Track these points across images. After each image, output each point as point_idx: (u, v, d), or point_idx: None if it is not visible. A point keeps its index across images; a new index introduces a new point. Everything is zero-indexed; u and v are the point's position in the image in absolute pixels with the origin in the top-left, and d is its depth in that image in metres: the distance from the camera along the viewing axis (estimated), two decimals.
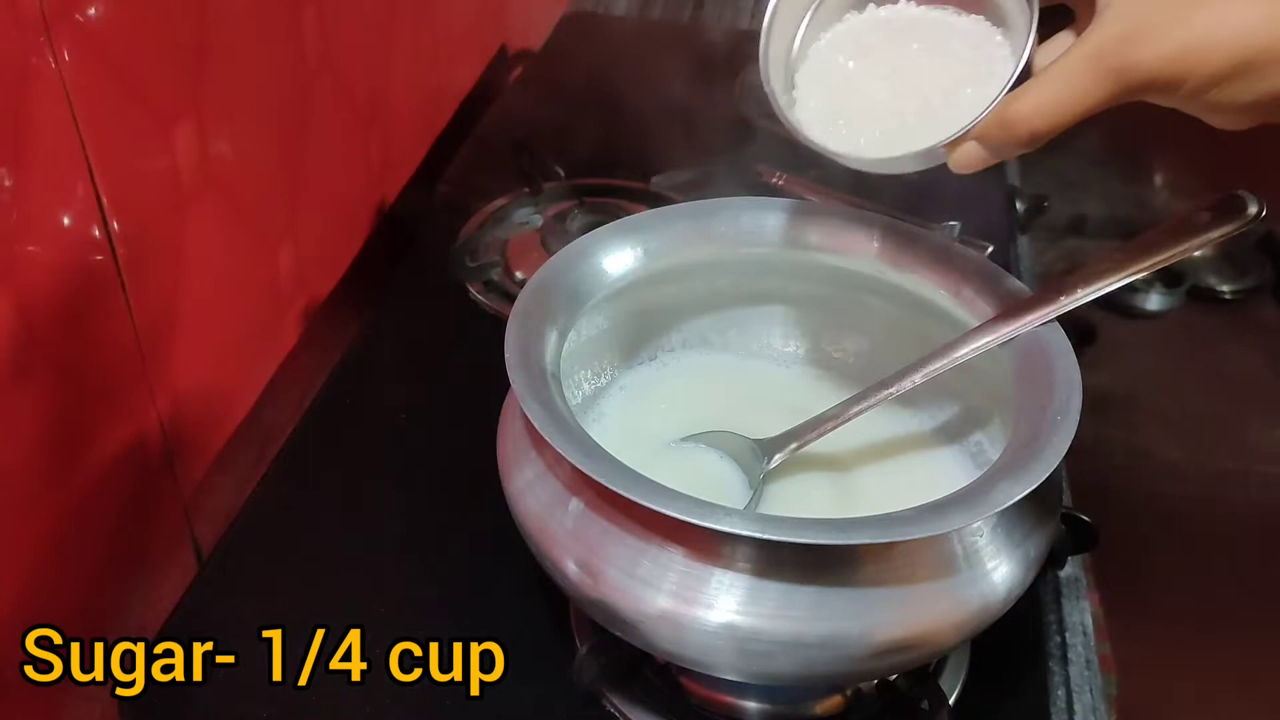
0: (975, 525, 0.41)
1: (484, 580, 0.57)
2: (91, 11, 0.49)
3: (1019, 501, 0.39)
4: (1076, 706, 0.58)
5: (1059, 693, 0.57)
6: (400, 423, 0.67)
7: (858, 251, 0.52)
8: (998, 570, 0.41)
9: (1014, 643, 0.56)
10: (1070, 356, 0.45)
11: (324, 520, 0.60)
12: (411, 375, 0.70)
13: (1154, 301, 2.10)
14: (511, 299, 0.71)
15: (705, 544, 0.40)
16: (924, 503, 0.39)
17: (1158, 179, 2.24)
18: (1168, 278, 2.10)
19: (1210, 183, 2.27)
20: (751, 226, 0.53)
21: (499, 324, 0.64)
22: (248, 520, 0.60)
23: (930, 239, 0.51)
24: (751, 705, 0.50)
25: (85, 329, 0.53)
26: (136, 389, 0.57)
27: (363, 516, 0.61)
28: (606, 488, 0.39)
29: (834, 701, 0.50)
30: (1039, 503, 0.43)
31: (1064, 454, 0.40)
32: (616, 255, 0.51)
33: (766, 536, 0.37)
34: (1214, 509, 1.70)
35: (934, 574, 0.40)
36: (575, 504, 0.43)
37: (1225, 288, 2.15)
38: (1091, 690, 0.59)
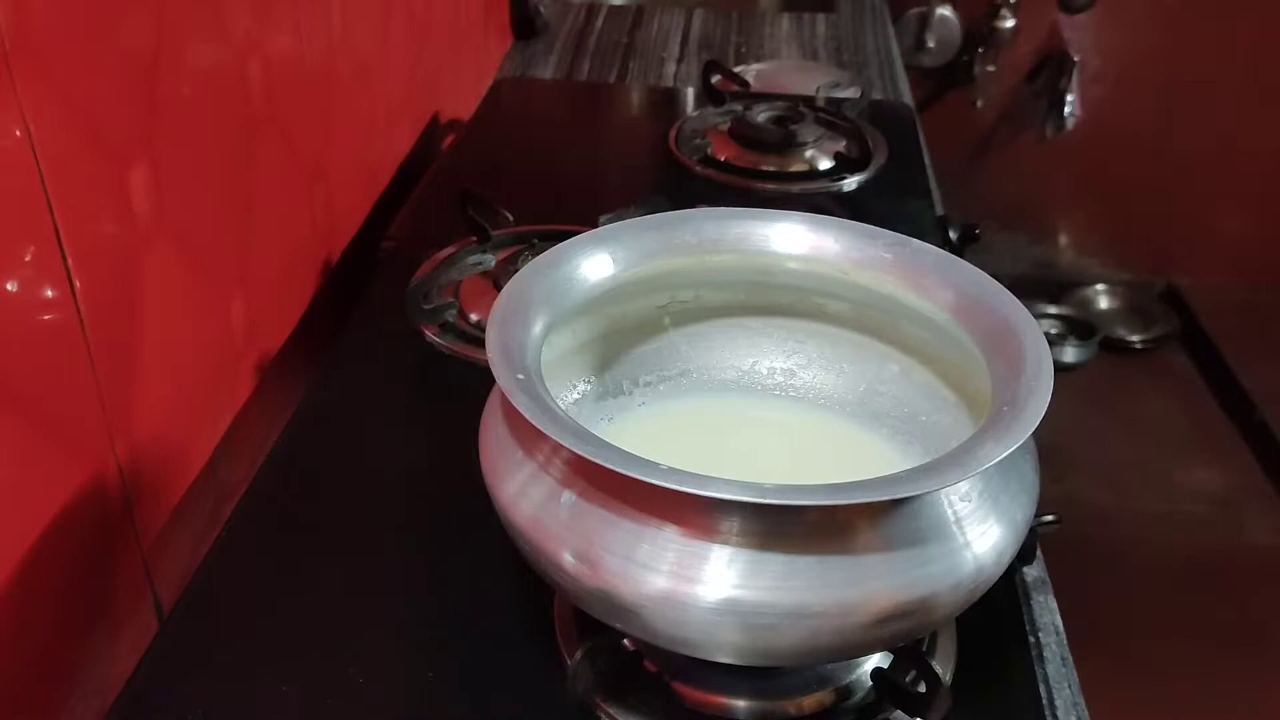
0: (964, 490, 0.42)
1: (460, 619, 0.56)
2: (51, 57, 0.50)
3: (1002, 464, 0.40)
4: (1058, 701, 0.59)
5: (1038, 690, 0.58)
6: (363, 468, 0.66)
7: (820, 251, 0.54)
8: (989, 532, 0.42)
9: (997, 645, 0.56)
10: (1035, 328, 0.46)
11: (284, 577, 0.58)
12: (372, 421, 0.70)
13: (1069, 354, 2.19)
14: (468, 339, 0.72)
15: (702, 519, 0.40)
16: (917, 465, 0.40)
17: (1062, 239, 2.34)
18: (1080, 330, 2.19)
19: (1112, 241, 2.36)
20: (715, 235, 0.54)
21: (458, 365, 0.65)
22: (204, 582, 0.57)
23: (887, 235, 0.53)
24: (743, 704, 0.49)
25: (46, 374, 0.52)
26: (96, 436, 0.56)
27: (328, 564, 0.59)
28: (601, 469, 0.39)
29: (826, 694, 0.50)
30: (1020, 465, 0.44)
31: (1043, 414, 0.41)
32: (591, 260, 0.52)
33: (765, 501, 0.38)
34: (1146, 549, 1.75)
35: (930, 538, 0.41)
36: (568, 496, 0.43)
37: (1135, 338, 2.24)
38: (1070, 686, 0.60)
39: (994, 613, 0.55)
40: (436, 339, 0.73)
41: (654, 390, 0.59)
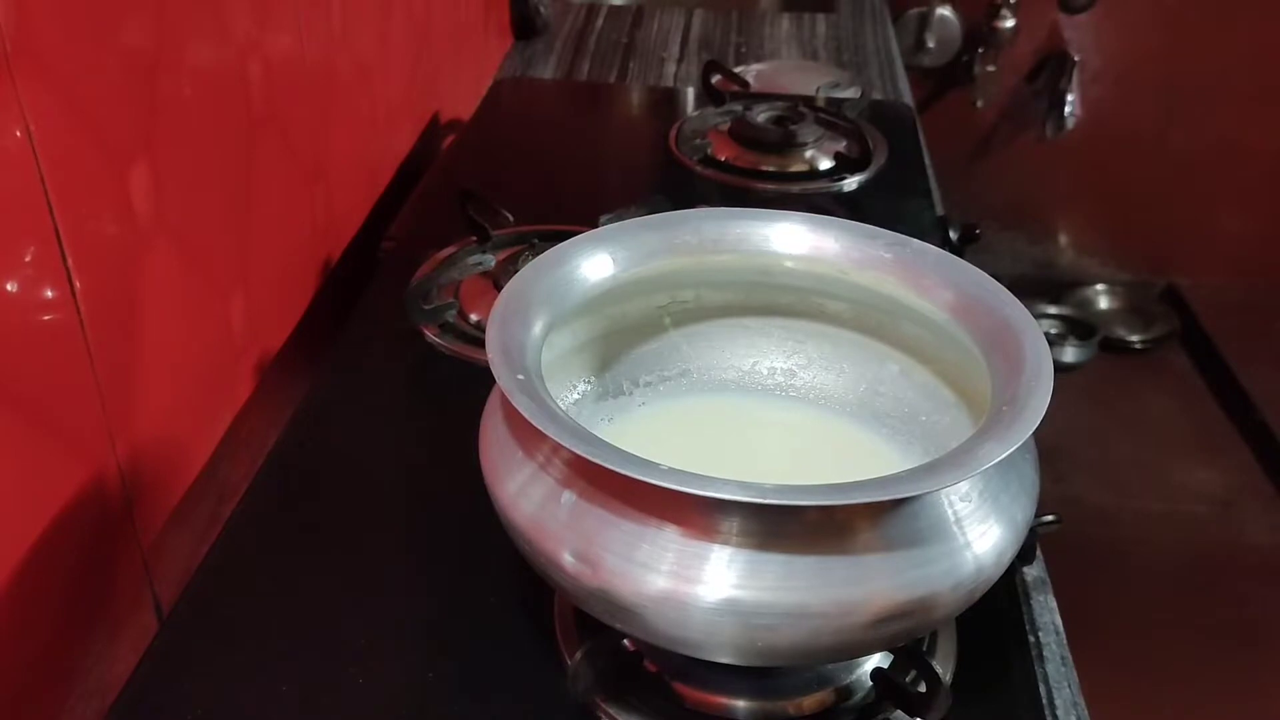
0: (964, 490, 0.42)
1: (460, 619, 0.56)
2: (52, 57, 0.50)
3: (1002, 464, 0.40)
4: (1058, 701, 0.59)
5: (1038, 689, 0.58)
6: (363, 468, 0.66)
7: (820, 251, 0.54)
8: (989, 532, 0.42)
9: (997, 645, 0.56)
10: (1035, 328, 0.46)
11: (284, 577, 0.58)
12: (372, 421, 0.70)
13: (1069, 354, 2.19)
14: (468, 339, 0.72)
15: (702, 519, 0.40)
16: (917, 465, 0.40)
17: (1062, 239, 2.34)
18: (1080, 330, 2.19)
19: (1112, 241, 2.36)
20: (715, 235, 0.54)
21: (458, 365, 0.65)
22: (204, 582, 0.57)
23: (887, 235, 0.53)
24: (743, 704, 0.49)
25: (46, 374, 0.52)
26: (96, 436, 0.56)
27: (327, 564, 0.59)
28: (601, 469, 0.39)
29: (826, 694, 0.50)
30: (1020, 465, 0.44)
31: (1043, 413, 0.41)
32: (591, 260, 0.52)
33: (765, 501, 0.38)
34: (1146, 549, 1.75)
35: (930, 538, 0.41)
36: (568, 496, 0.43)
37: (1135, 338, 2.25)
38: (1070, 686, 0.60)
39: (994, 613, 0.54)
40: (436, 339, 0.73)
41: (654, 390, 0.59)
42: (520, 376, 0.44)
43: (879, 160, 1.01)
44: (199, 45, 0.64)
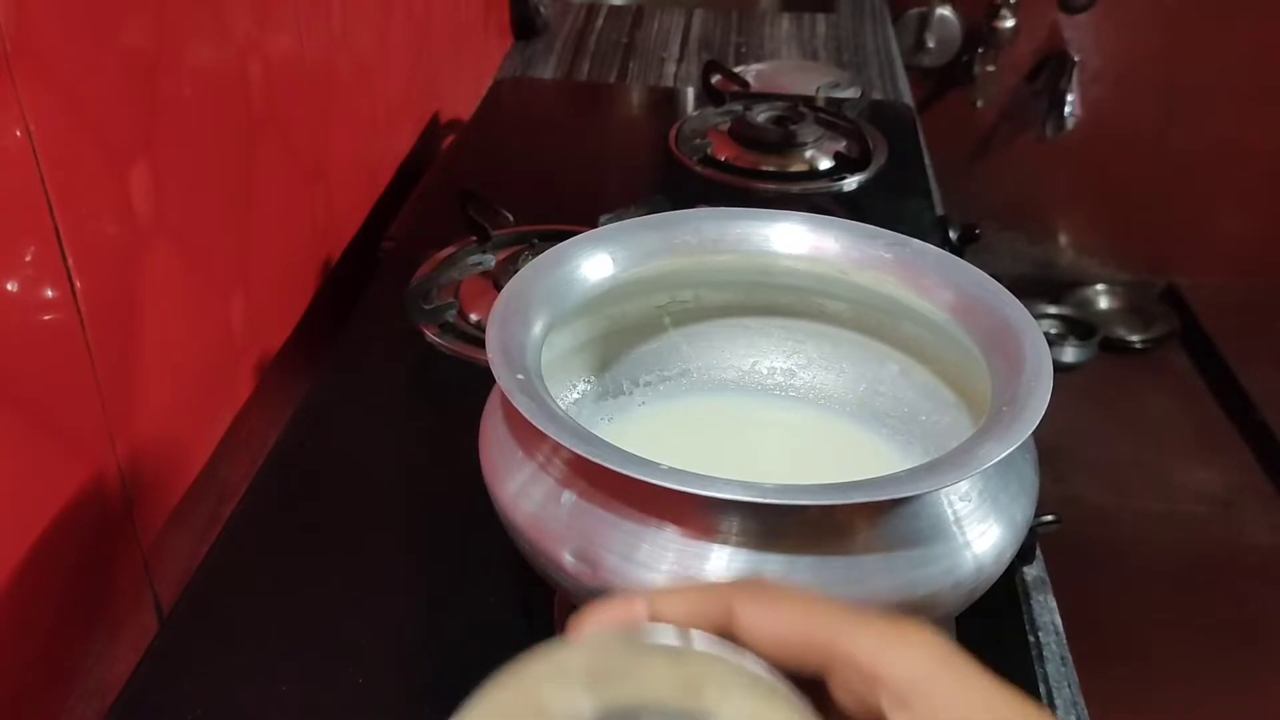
0: (964, 490, 0.42)
1: (460, 619, 0.56)
2: (52, 57, 0.50)
3: (1002, 464, 0.40)
4: (1058, 701, 0.59)
5: (1038, 689, 0.58)
6: (363, 468, 0.66)
7: (820, 251, 0.54)
8: (989, 532, 0.42)
9: (997, 645, 0.56)
10: (1035, 328, 0.46)
11: (284, 577, 0.58)
12: (372, 421, 0.70)
13: (1069, 354, 2.19)
14: (468, 339, 0.72)
15: (702, 519, 0.40)
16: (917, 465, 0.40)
17: (1062, 239, 2.34)
18: (1080, 330, 2.19)
19: (1112, 241, 2.36)
20: (715, 235, 0.54)
21: (458, 365, 0.65)
22: (204, 582, 0.58)
23: (887, 235, 0.53)
24: None
25: (47, 374, 0.52)
26: (96, 436, 0.56)
27: (327, 564, 0.59)
28: (601, 469, 0.39)
29: None
30: (1020, 465, 0.44)
31: (1043, 414, 0.41)
32: (591, 260, 0.52)
33: (765, 501, 0.38)
34: (1146, 549, 1.75)
35: (930, 538, 0.41)
36: (568, 496, 0.43)
37: (1135, 338, 2.24)
38: (1070, 685, 0.60)
39: (994, 613, 0.54)
40: (436, 339, 0.73)
41: (654, 390, 0.59)
42: (520, 376, 0.44)
43: (879, 160, 1.01)
44: (199, 45, 0.64)
